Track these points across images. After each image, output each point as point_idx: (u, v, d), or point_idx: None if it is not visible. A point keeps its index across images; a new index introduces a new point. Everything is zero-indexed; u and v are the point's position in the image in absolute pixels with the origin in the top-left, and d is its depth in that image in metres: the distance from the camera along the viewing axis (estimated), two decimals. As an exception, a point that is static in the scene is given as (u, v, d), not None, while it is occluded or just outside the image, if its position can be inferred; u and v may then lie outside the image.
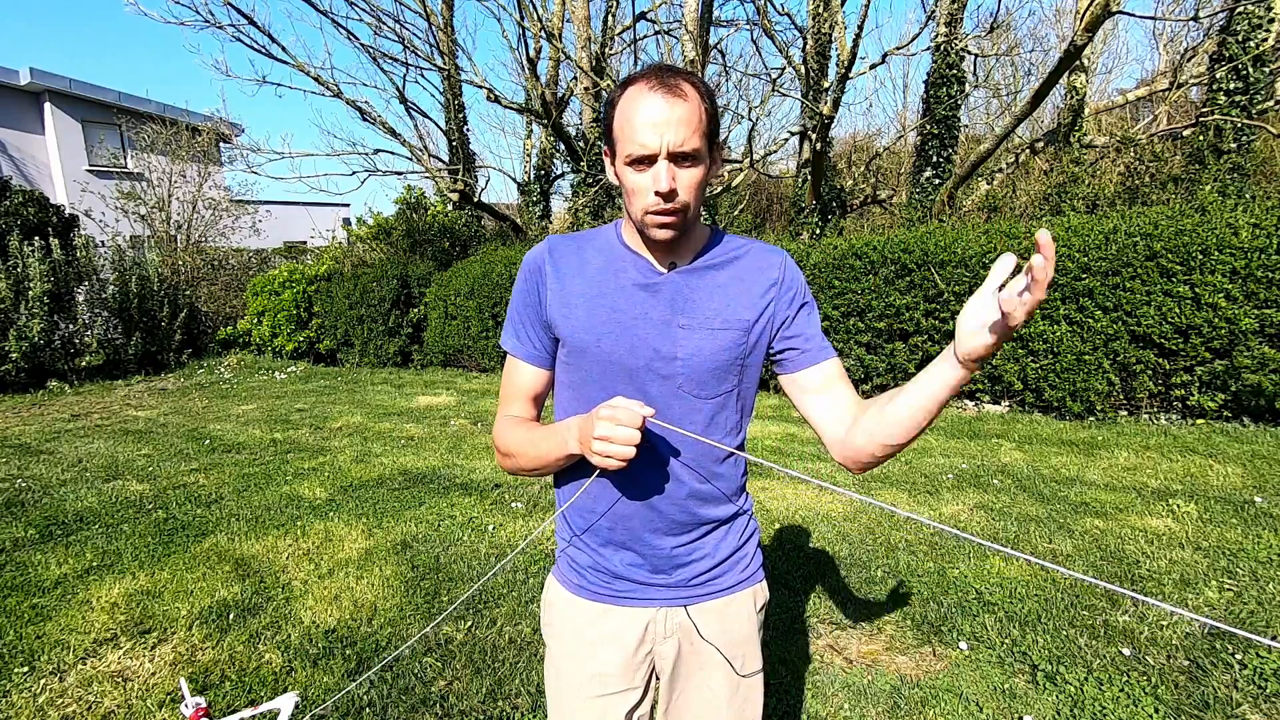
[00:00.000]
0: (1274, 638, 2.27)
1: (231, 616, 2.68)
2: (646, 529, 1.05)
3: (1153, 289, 4.86)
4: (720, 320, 1.01)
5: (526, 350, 1.09)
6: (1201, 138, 7.37)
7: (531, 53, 9.35)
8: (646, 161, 0.91)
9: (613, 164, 0.98)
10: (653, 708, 1.16)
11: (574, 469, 1.07)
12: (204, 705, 1.63)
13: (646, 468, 1.02)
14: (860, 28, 7.23)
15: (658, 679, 1.14)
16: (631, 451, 0.85)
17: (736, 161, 9.97)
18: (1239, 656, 2.17)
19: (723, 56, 10.90)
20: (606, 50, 10.20)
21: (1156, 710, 1.96)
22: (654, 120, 0.88)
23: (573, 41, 9.88)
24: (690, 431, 1.01)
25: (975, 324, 0.81)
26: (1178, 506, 3.42)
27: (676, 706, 1.12)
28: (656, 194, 0.91)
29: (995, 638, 2.38)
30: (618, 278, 1.03)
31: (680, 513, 1.04)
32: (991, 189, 9.04)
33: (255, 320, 10.72)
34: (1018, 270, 0.79)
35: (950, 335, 5.96)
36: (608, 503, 1.05)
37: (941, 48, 8.57)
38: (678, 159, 0.91)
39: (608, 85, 9.35)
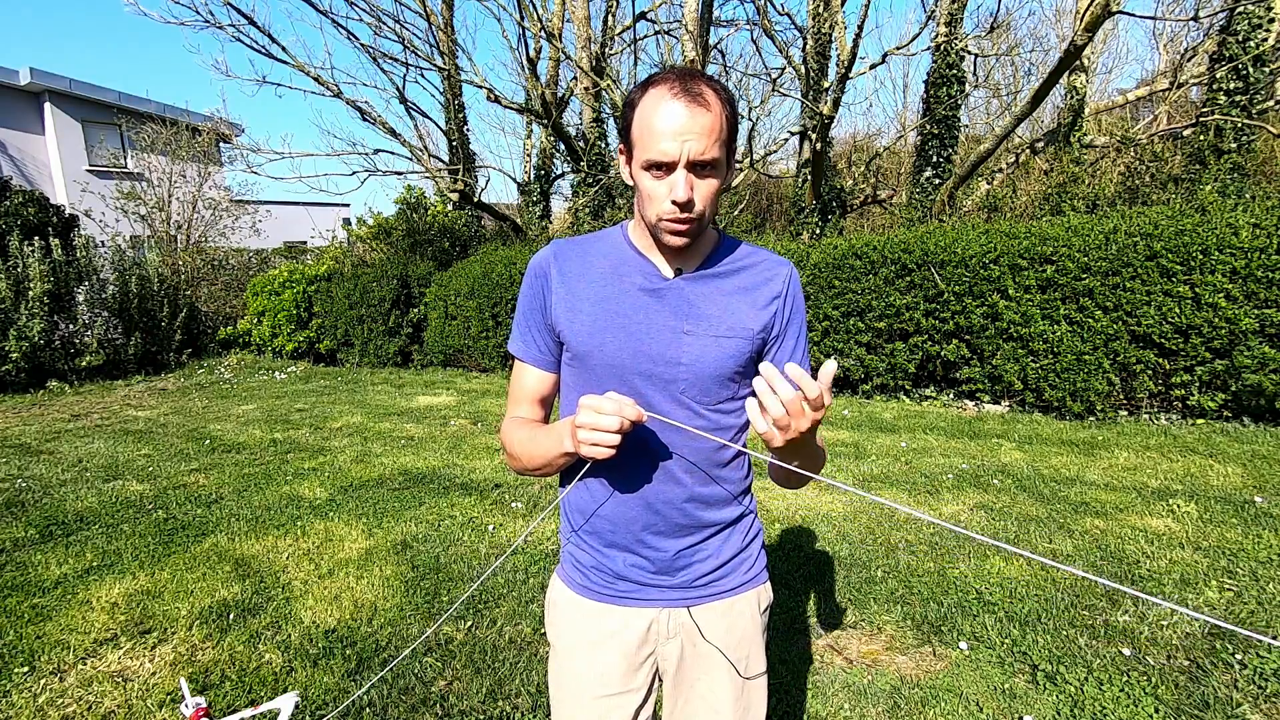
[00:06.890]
0: (1275, 637, 2.27)
1: (231, 616, 2.68)
2: (648, 532, 1.05)
3: (1153, 289, 4.86)
4: (725, 328, 1.01)
5: (532, 354, 1.09)
6: (1201, 138, 7.37)
7: (531, 53, 9.35)
8: (665, 168, 0.91)
9: (628, 164, 0.98)
10: (657, 710, 1.16)
11: (577, 470, 1.07)
12: (204, 705, 1.63)
13: (645, 470, 1.02)
14: (860, 28, 7.23)
15: (661, 681, 1.13)
16: (614, 439, 0.84)
17: (737, 161, 9.98)
18: (1239, 656, 2.17)
19: (723, 56, 10.91)
20: (606, 50, 10.19)
21: (1156, 710, 1.96)
22: (676, 128, 0.87)
23: (573, 41, 9.89)
24: (693, 431, 1.00)
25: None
26: (1178, 506, 3.42)
27: (681, 710, 1.12)
28: (674, 203, 0.91)
29: (995, 638, 2.38)
30: (622, 282, 1.03)
31: (681, 516, 1.04)
32: (991, 189, 9.04)
33: (255, 320, 10.72)
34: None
35: (950, 335, 5.97)
36: (609, 505, 1.05)
37: (941, 48, 8.57)
38: (697, 168, 0.90)
39: (608, 85, 9.35)
